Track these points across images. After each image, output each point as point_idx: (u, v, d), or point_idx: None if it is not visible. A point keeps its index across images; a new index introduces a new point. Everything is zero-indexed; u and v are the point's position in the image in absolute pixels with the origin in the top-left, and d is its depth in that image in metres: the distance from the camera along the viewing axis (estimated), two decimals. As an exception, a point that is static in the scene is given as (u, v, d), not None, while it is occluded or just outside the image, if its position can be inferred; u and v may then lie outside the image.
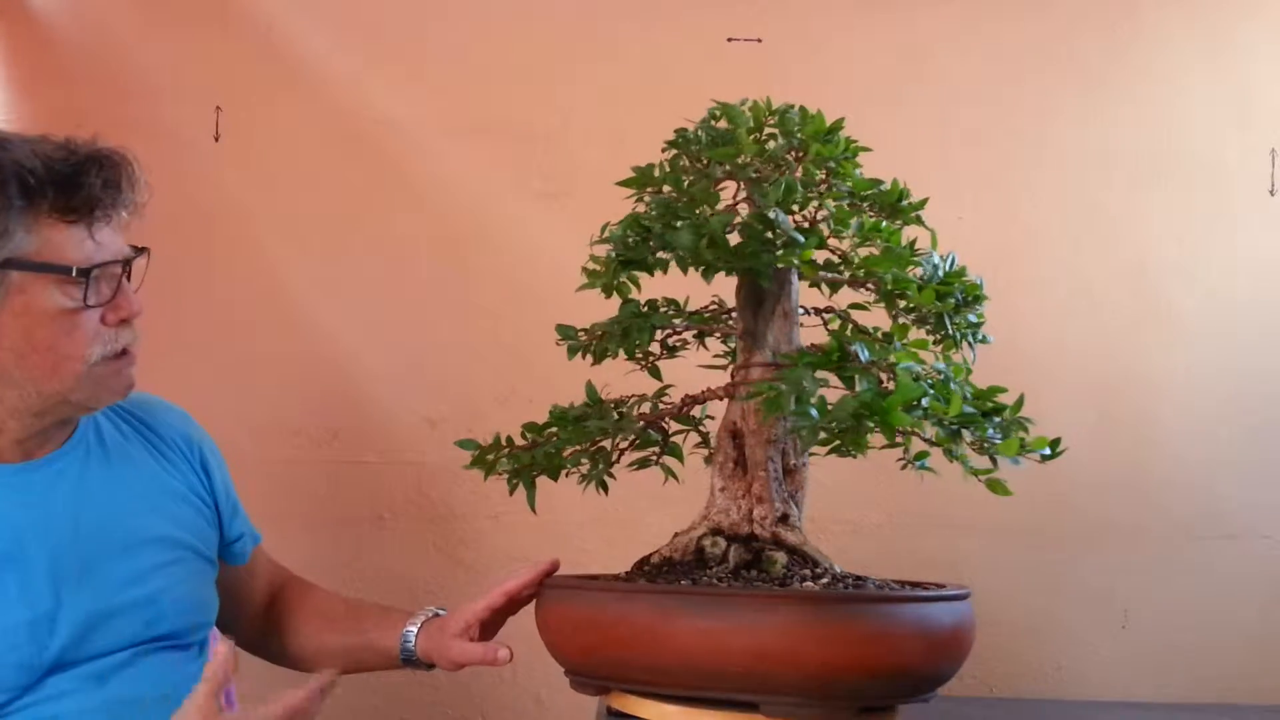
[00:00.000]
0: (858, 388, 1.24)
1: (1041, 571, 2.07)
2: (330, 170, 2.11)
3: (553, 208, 2.10)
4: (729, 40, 2.12)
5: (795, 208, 1.33)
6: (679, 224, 1.30)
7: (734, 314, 1.42)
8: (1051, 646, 2.08)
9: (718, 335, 1.46)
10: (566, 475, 1.41)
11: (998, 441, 1.21)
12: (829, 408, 1.21)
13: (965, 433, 1.21)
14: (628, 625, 1.21)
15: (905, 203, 1.37)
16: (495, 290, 2.10)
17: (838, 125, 1.36)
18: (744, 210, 1.35)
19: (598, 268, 1.38)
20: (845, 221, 1.34)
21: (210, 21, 2.12)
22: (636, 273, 1.37)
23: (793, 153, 1.36)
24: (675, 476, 1.45)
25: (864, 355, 1.27)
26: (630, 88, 2.10)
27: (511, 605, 1.46)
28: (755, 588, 1.24)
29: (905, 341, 1.35)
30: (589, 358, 1.42)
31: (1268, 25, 2.14)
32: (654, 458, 1.45)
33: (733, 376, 1.40)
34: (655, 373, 1.47)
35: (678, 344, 1.48)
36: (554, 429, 1.40)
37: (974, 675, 2.04)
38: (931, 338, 1.38)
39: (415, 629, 1.51)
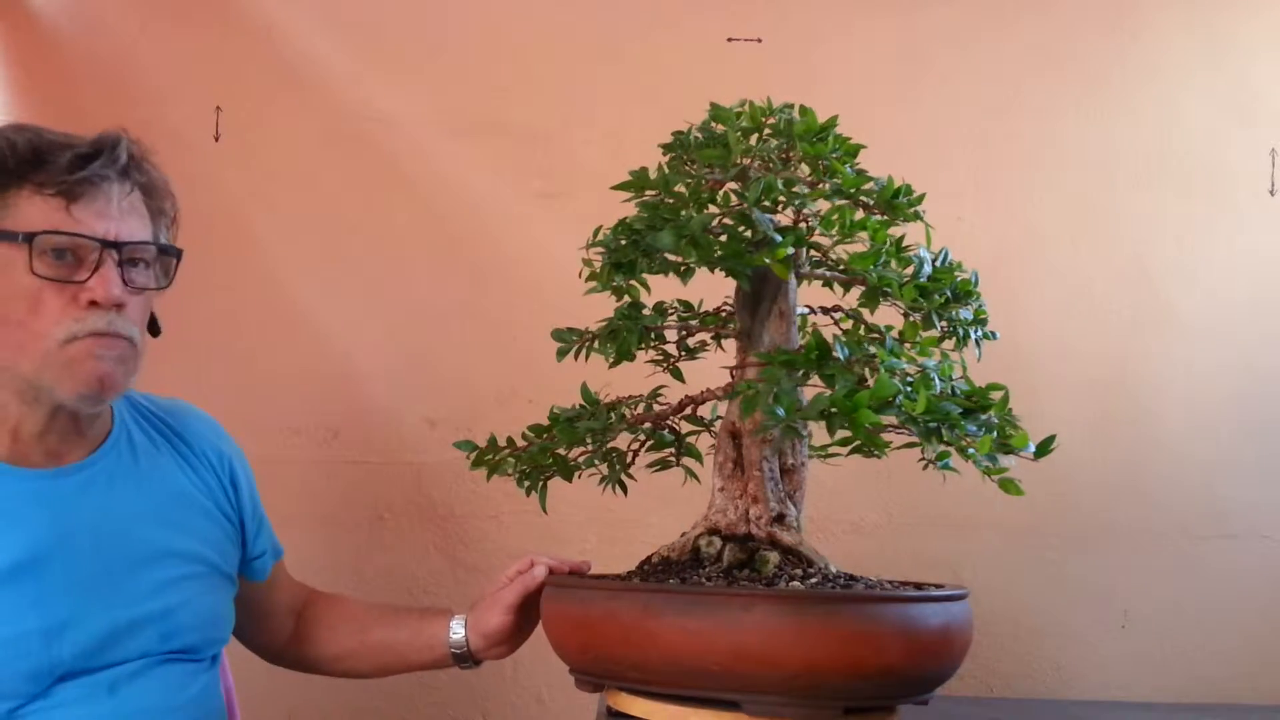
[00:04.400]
0: (837, 386, 1.23)
1: (1041, 571, 2.07)
2: (330, 170, 2.12)
3: (553, 208, 2.10)
4: (729, 40, 2.12)
5: (779, 206, 1.32)
6: (662, 226, 1.30)
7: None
8: (1051, 646, 2.08)
9: (722, 336, 1.46)
10: (581, 477, 1.42)
11: (977, 439, 1.19)
12: (800, 407, 1.21)
13: (944, 430, 1.20)
14: (615, 623, 1.22)
15: (902, 199, 1.35)
16: (495, 290, 2.10)
17: (830, 124, 1.35)
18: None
19: (595, 269, 1.38)
20: (829, 220, 1.32)
21: (210, 21, 2.12)
22: (645, 275, 1.36)
23: (786, 152, 1.35)
24: (696, 478, 1.45)
25: (843, 354, 1.27)
26: (630, 88, 2.11)
27: (530, 583, 1.48)
28: (736, 587, 1.23)
29: (919, 339, 1.34)
30: (585, 358, 1.42)
31: (1268, 25, 2.14)
32: (673, 459, 1.45)
33: (732, 376, 1.40)
34: (677, 374, 1.47)
35: (697, 345, 1.47)
36: (551, 430, 1.40)
37: (974, 675, 2.04)
38: (938, 335, 1.37)
39: (462, 620, 1.54)
